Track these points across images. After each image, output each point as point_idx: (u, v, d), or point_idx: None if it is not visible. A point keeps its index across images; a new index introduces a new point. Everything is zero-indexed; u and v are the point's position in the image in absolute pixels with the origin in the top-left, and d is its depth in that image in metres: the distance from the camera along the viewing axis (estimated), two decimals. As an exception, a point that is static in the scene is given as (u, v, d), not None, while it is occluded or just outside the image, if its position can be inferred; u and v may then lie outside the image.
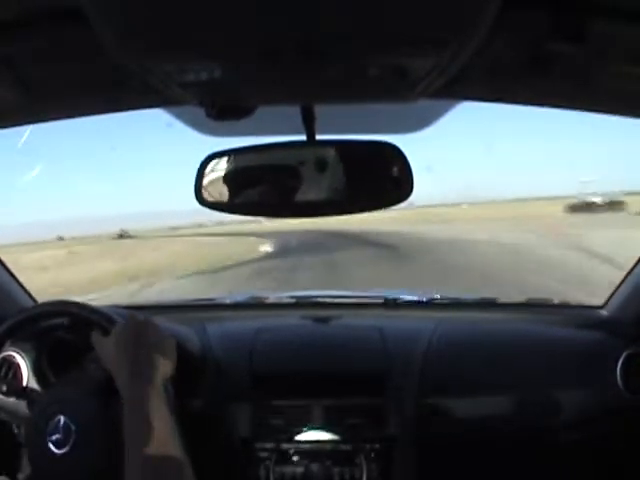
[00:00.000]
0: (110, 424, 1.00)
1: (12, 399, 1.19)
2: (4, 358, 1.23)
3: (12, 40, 0.69)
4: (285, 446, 1.30)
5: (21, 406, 1.17)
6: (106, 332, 1.04)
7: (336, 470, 1.28)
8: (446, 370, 1.40)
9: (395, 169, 0.92)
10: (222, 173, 0.95)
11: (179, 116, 1.05)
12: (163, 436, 0.83)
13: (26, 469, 1.04)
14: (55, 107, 0.94)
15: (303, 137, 0.93)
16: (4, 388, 1.19)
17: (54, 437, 1.00)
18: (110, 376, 0.95)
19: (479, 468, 1.37)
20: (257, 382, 1.37)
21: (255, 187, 0.97)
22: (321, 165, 0.92)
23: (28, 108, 0.90)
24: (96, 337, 1.03)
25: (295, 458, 1.30)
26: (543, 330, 1.57)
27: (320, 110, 0.90)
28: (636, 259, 1.47)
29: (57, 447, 1.00)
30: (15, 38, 0.69)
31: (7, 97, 0.83)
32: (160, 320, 1.41)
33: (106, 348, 0.98)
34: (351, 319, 1.66)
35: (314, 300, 1.87)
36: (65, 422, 1.01)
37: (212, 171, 0.94)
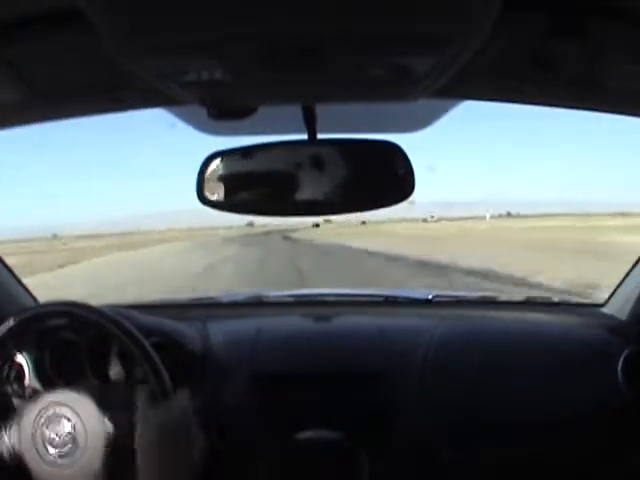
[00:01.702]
0: (114, 444, 1.00)
1: (14, 399, 1.19)
2: (6, 358, 1.23)
3: (12, 40, 0.69)
4: (286, 445, 1.31)
5: (22, 406, 1.18)
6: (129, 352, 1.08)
7: (337, 469, 1.28)
8: (446, 368, 1.40)
9: (397, 168, 0.92)
10: (224, 172, 0.95)
11: (181, 116, 1.05)
12: None
13: (24, 468, 1.05)
14: (56, 107, 0.94)
15: (304, 136, 0.93)
16: (6, 388, 1.19)
17: (52, 438, 1.01)
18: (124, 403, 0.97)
19: (479, 466, 1.37)
20: (258, 380, 1.37)
21: (257, 186, 0.97)
22: (323, 164, 0.92)
23: (29, 108, 0.90)
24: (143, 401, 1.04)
25: (296, 457, 1.30)
26: (544, 328, 1.57)
27: (321, 109, 0.90)
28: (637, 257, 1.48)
29: (53, 448, 1.00)
30: (15, 38, 0.69)
31: (7, 97, 0.83)
32: (161, 319, 1.43)
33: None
34: (352, 317, 1.66)
35: (315, 299, 1.87)
36: (67, 426, 1.01)
37: (214, 170, 0.95)
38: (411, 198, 0.94)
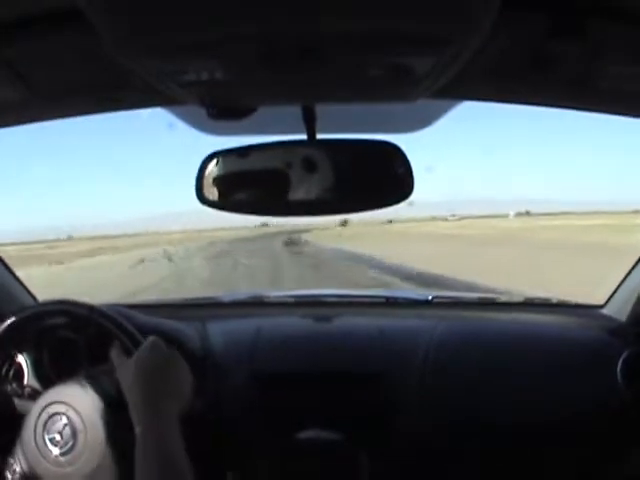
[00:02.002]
0: (113, 439, 1.00)
1: (14, 398, 1.19)
2: (6, 357, 1.23)
3: (12, 40, 0.69)
4: (286, 445, 1.31)
5: (22, 405, 1.18)
6: (127, 349, 1.06)
7: (337, 469, 1.28)
8: (446, 369, 1.40)
9: (396, 168, 0.92)
10: (223, 172, 0.95)
11: (181, 116, 1.05)
12: (176, 472, 0.83)
13: (23, 467, 1.05)
14: (56, 106, 0.94)
15: (304, 137, 0.93)
16: (5, 387, 1.19)
17: (53, 437, 1.01)
18: (121, 393, 0.95)
19: (479, 466, 1.37)
20: (258, 381, 1.37)
21: (256, 186, 0.97)
22: (322, 164, 0.92)
23: (29, 107, 0.91)
24: (116, 355, 1.02)
25: (296, 457, 1.30)
26: (543, 329, 1.57)
27: (321, 110, 0.90)
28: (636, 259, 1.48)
29: (55, 447, 1.00)
30: (15, 38, 0.69)
31: (7, 97, 0.83)
32: (161, 318, 1.43)
33: (126, 371, 0.97)
34: (351, 318, 1.66)
35: (315, 299, 1.87)
36: (67, 424, 1.01)
37: (213, 170, 0.94)
38: (410, 199, 0.94)
